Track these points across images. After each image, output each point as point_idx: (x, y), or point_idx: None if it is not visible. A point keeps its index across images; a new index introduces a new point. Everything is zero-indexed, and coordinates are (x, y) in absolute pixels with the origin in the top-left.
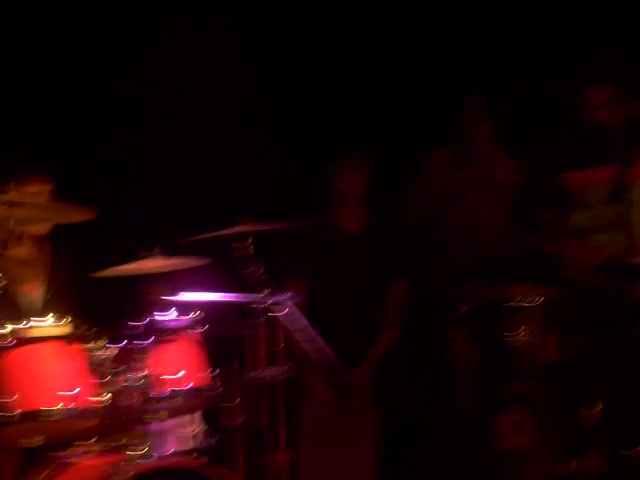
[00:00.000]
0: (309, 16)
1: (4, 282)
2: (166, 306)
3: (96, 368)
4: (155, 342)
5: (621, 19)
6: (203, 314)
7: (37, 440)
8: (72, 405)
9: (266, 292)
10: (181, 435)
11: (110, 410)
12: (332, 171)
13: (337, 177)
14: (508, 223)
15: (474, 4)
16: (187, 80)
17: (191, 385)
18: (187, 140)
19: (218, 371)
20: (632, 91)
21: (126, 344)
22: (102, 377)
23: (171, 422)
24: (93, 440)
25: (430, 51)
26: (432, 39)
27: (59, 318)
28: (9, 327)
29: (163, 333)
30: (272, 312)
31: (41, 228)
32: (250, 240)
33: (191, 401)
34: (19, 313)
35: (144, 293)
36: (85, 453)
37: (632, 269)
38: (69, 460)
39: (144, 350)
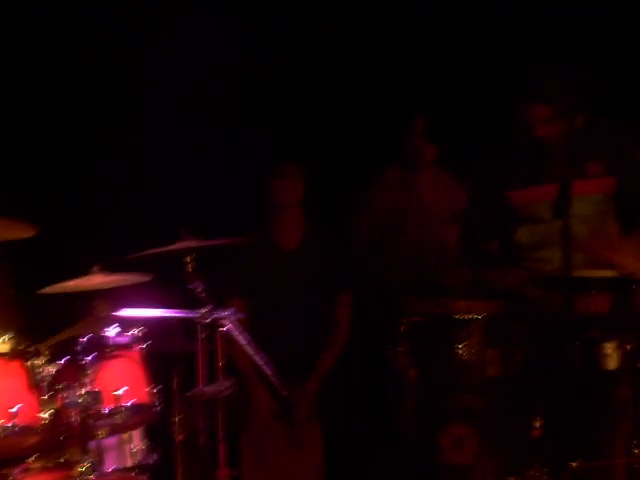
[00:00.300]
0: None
1: None
2: (108, 322)
3: (37, 385)
4: (97, 358)
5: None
6: (145, 330)
7: None
8: (13, 422)
9: (208, 308)
10: (122, 452)
11: (51, 427)
12: (267, 183)
13: (272, 188)
14: (453, 247)
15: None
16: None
17: (133, 402)
18: (135, 156)
19: (160, 387)
20: (573, 107)
21: (68, 361)
22: (43, 394)
23: (112, 439)
24: (34, 457)
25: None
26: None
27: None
28: None
29: (105, 349)
30: (217, 328)
31: None
32: (191, 256)
33: (133, 418)
34: None
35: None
36: (26, 471)
37: (572, 283)
38: (10, 478)
39: (86, 367)
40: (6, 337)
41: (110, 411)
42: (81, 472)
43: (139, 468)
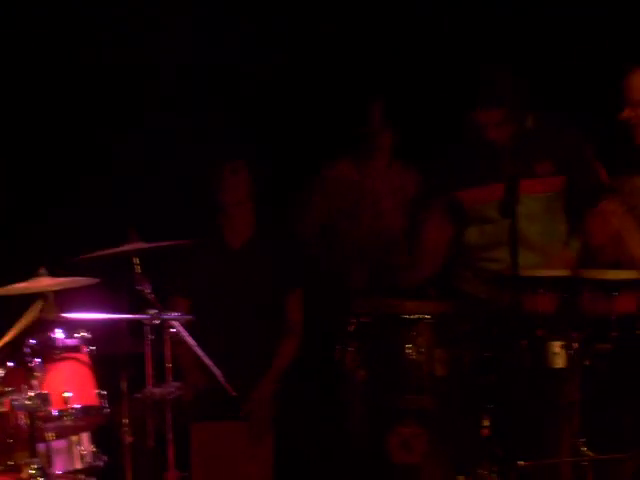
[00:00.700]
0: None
1: None
2: (54, 325)
3: None
4: (45, 361)
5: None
6: (91, 333)
7: None
8: None
9: (154, 310)
10: (71, 454)
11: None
12: (215, 180)
13: (220, 185)
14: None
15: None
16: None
17: (81, 404)
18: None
19: (108, 390)
20: (522, 110)
21: (16, 363)
22: None
23: (61, 442)
24: None
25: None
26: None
27: None
28: None
29: (53, 352)
30: (165, 329)
31: None
32: (139, 258)
33: (81, 420)
34: None
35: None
36: None
37: (519, 281)
38: None
39: (34, 369)
40: None
41: (59, 414)
42: (30, 475)
43: (88, 471)
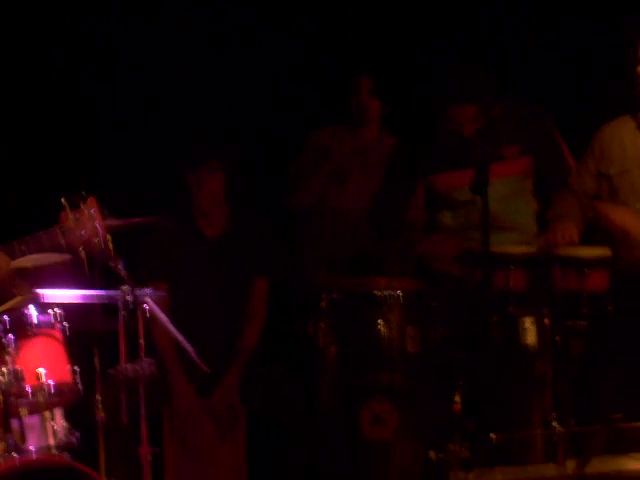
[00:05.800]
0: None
1: None
2: (27, 302)
3: None
4: (18, 338)
5: None
6: (65, 310)
7: None
8: None
9: (127, 288)
10: (44, 431)
11: None
12: (186, 180)
13: (191, 186)
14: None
15: None
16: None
17: (55, 381)
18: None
19: (81, 366)
20: (493, 103)
21: None
22: None
23: (34, 418)
24: None
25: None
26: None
27: None
28: None
29: (26, 328)
30: (138, 306)
31: None
32: (111, 235)
33: (54, 397)
34: None
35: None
36: None
37: (490, 259)
38: None
39: (7, 346)
40: None
41: (32, 390)
42: (3, 450)
43: (61, 447)
